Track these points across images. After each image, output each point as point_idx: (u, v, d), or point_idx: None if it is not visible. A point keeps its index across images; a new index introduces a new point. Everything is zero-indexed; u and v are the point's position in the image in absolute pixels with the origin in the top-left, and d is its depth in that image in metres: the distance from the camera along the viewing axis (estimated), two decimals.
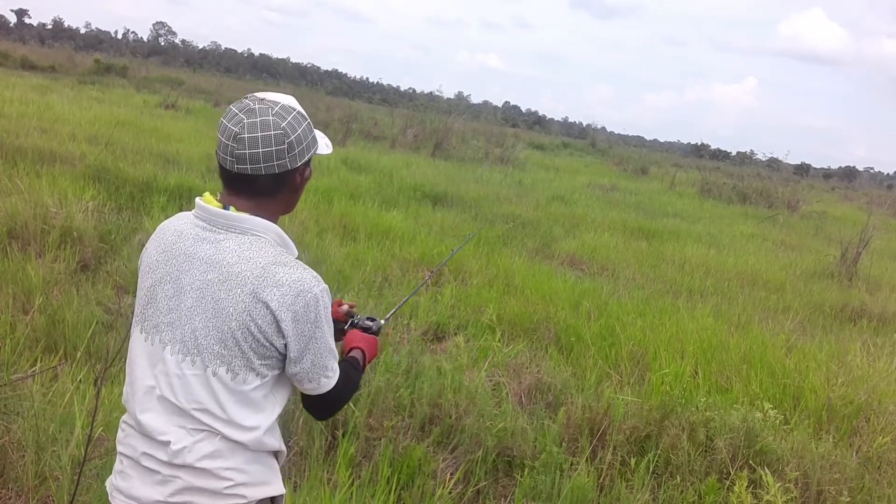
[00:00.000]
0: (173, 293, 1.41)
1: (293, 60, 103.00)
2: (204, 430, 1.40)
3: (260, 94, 1.46)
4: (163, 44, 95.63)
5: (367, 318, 1.93)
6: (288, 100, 1.48)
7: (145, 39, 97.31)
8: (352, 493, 2.77)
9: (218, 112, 22.52)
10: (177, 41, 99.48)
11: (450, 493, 2.97)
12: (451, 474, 3.10)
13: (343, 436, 3.17)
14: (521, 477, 3.12)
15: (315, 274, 1.45)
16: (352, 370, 1.66)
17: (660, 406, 3.68)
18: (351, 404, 3.32)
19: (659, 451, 3.39)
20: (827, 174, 69.19)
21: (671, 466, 3.36)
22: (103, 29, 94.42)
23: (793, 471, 3.26)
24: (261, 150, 1.39)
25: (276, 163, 1.41)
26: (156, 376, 1.42)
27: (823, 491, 3.26)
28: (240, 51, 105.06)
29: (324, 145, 1.57)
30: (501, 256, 7.25)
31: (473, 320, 5.00)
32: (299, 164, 1.46)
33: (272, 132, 1.39)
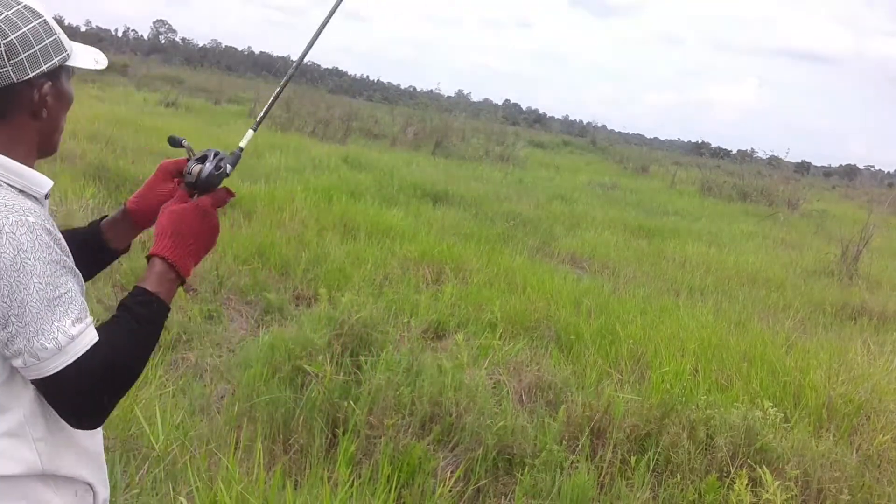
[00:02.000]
0: None
1: (293, 58, 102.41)
2: None
3: None
4: (163, 42, 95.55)
5: (196, 160, 1.26)
6: None
7: (146, 37, 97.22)
8: (352, 492, 2.77)
9: (218, 110, 22.53)
10: (177, 39, 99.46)
11: (450, 491, 2.97)
12: (452, 472, 3.10)
13: (343, 434, 3.17)
14: (522, 475, 3.12)
15: (13, 203, 1.04)
16: (129, 331, 1.11)
17: (660, 404, 3.68)
18: (351, 402, 3.32)
19: (659, 450, 3.39)
20: (827, 172, 69.15)
21: (671, 465, 3.36)
22: (104, 27, 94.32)
23: (793, 469, 3.26)
24: None
25: None
26: None
27: (823, 489, 3.26)
28: (240, 49, 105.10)
29: (91, 60, 1.21)
30: (502, 255, 7.25)
31: (474, 318, 5.00)
32: (30, 74, 1.08)
33: None
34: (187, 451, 2.87)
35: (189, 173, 1.25)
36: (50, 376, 1.03)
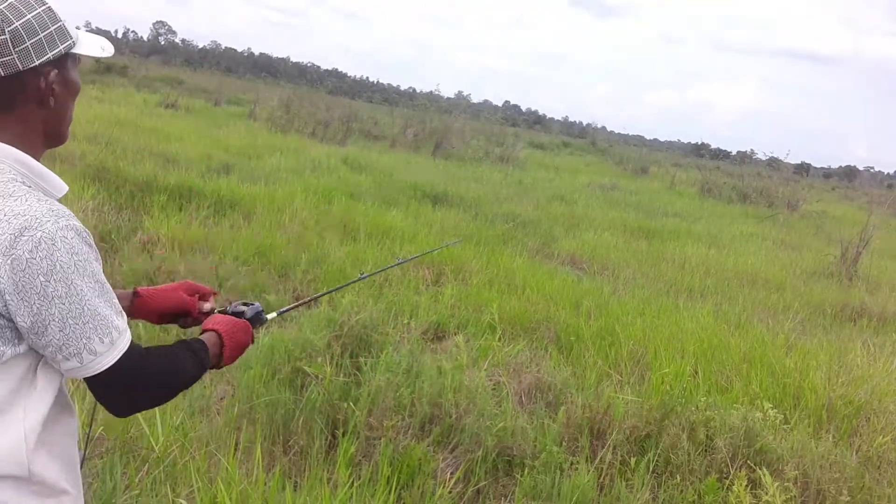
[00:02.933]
0: None
1: (293, 60, 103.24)
2: None
3: None
4: (163, 43, 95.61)
5: (242, 303, 1.50)
6: None
7: (145, 39, 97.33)
8: (352, 493, 2.77)
9: (218, 111, 22.53)
10: (177, 40, 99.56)
11: (450, 492, 2.97)
12: (452, 474, 3.10)
13: (343, 435, 3.16)
14: (522, 476, 3.12)
15: (57, 208, 1.07)
16: (182, 353, 1.23)
17: (660, 405, 3.68)
18: (351, 403, 3.32)
19: (659, 451, 3.39)
20: (827, 174, 69.28)
21: (671, 466, 3.36)
22: (103, 28, 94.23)
23: (792, 470, 3.26)
24: None
25: None
26: None
27: (823, 490, 3.26)
28: (240, 50, 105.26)
29: (97, 47, 1.19)
30: (502, 256, 7.25)
31: (474, 319, 5.00)
32: (36, 62, 1.07)
33: None
34: (187, 453, 2.87)
35: (235, 308, 1.49)
36: (107, 368, 1.08)
